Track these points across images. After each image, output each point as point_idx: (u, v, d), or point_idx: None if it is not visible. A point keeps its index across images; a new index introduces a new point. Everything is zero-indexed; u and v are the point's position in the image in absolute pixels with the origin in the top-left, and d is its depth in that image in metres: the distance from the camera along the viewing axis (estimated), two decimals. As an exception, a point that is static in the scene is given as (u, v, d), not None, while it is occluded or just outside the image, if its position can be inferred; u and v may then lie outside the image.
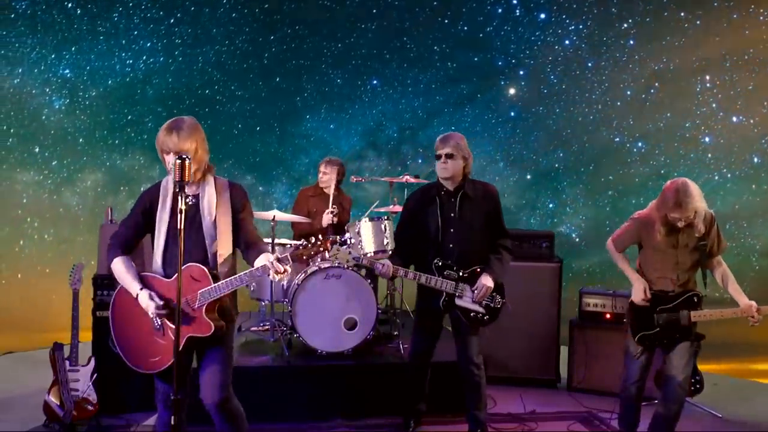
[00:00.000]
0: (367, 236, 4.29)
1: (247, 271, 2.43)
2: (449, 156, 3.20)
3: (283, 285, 4.21)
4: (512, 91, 7.54)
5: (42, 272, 6.44)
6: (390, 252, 3.81)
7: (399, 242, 3.37)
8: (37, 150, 6.81)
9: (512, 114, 7.59)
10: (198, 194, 2.54)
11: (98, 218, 7.07)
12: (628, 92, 7.18)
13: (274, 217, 4.32)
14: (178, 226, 2.24)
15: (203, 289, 2.40)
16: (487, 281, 3.16)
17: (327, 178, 4.84)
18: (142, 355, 2.48)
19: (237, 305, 2.69)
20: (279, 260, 2.34)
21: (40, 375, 3.94)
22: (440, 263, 3.18)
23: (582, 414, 4.06)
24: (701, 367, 4.22)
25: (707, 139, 6.90)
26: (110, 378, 3.62)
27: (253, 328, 4.72)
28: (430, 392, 3.65)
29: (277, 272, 2.32)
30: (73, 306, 3.51)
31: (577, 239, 7.58)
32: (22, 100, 6.71)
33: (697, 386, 4.15)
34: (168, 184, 2.54)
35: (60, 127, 6.92)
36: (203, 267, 2.42)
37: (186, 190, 2.40)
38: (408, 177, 4.61)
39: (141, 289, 2.42)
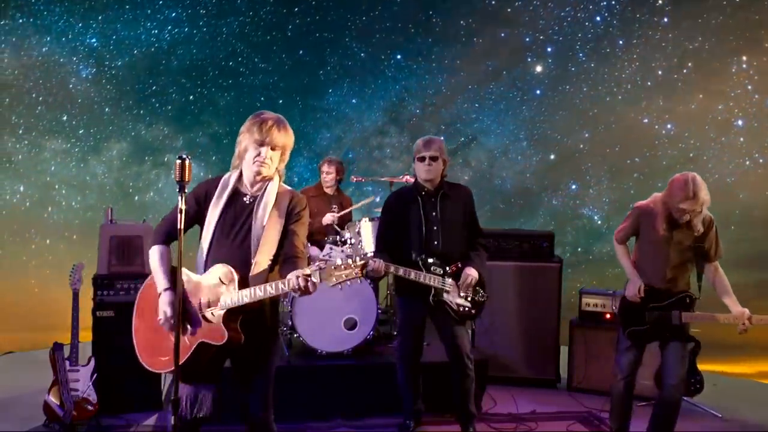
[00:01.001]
0: (367, 236, 4.29)
1: (273, 282, 2.20)
2: (433, 158, 3.29)
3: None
4: (539, 68, 7.38)
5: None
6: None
7: (383, 243, 3.38)
8: (64, 118, 6.93)
9: (538, 92, 7.44)
10: (257, 196, 2.37)
11: (123, 188, 7.22)
12: (660, 72, 6.97)
13: None
14: (178, 226, 2.09)
15: (227, 293, 2.23)
16: (471, 271, 3.26)
17: (330, 177, 4.87)
18: (152, 352, 2.34)
19: (277, 319, 2.53)
20: (306, 277, 2.13)
21: (40, 375, 3.84)
22: (426, 259, 3.26)
23: (582, 414, 4.04)
24: (701, 367, 4.19)
25: (740, 123, 6.69)
26: (110, 378, 3.59)
27: None
28: (430, 393, 3.68)
29: (299, 290, 2.13)
30: (73, 306, 3.46)
31: (599, 221, 7.49)
32: (50, 68, 6.81)
33: (697, 386, 4.07)
34: (231, 179, 2.39)
35: (87, 96, 7.02)
36: (233, 271, 2.23)
37: (251, 189, 2.35)
38: (408, 177, 4.55)
39: (166, 289, 2.28)
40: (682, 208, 2.91)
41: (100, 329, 3.71)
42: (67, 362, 3.46)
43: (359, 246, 4.28)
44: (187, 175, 2.06)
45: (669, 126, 6.99)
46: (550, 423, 3.85)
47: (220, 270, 2.23)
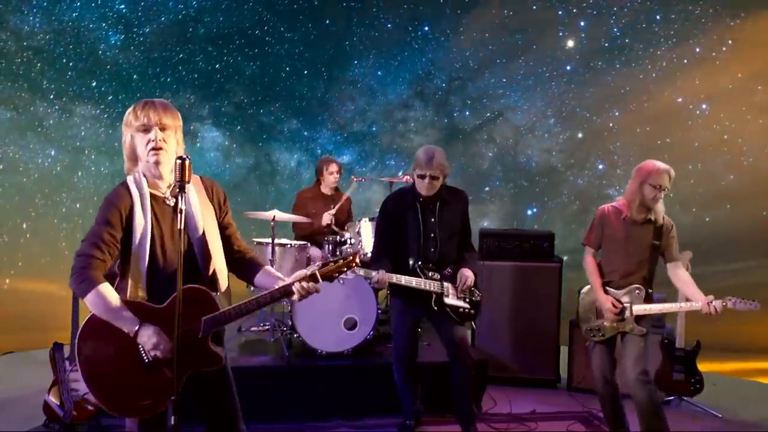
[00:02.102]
0: (367, 236, 4.29)
1: (265, 293, 2.00)
2: (434, 178, 3.26)
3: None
4: (571, 43, 7.15)
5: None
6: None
7: (380, 250, 3.37)
8: (94, 84, 7.02)
9: (568, 68, 7.23)
10: (177, 198, 1.96)
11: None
12: (698, 49, 6.69)
13: (273, 217, 4.33)
14: (178, 226, 1.84)
15: (208, 317, 1.96)
16: (468, 273, 3.29)
17: (335, 178, 4.84)
18: (126, 399, 1.95)
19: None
20: (309, 279, 1.96)
21: (40, 375, 3.86)
22: (421, 265, 3.27)
23: (582, 414, 4.04)
24: (701, 367, 4.17)
25: (780, 105, 6.41)
26: None
27: (253, 328, 4.66)
28: (430, 393, 3.70)
29: (305, 294, 1.95)
30: (73, 306, 3.43)
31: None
32: (80, 34, 6.87)
33: (697, 386, 4.12)
34: (142, 184, 2.01)
35: (115, 62, 7.08)
36: (204, 288, 1.97)
37: (166, 189, 2.04)
38: (408, 177, 4.52)
39: (140, 325, 1.90)
40: (658, 183, 3.06)
41: (100, 329, 3.70)
42: (67, 362, 3.43)
43: (359, 246, 4.30)
44: (187, 175, 1.86)
45: (704, 106, 6.75)
46: (550, 423, 3.86)
47: (186, 292, 1.89)
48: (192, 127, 7.43)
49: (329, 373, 3.84)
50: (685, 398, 4.21)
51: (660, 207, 3.16)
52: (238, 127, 7.53)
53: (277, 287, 2.00)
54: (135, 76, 7.14)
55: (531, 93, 7.29)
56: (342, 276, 2.06)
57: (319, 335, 3.89)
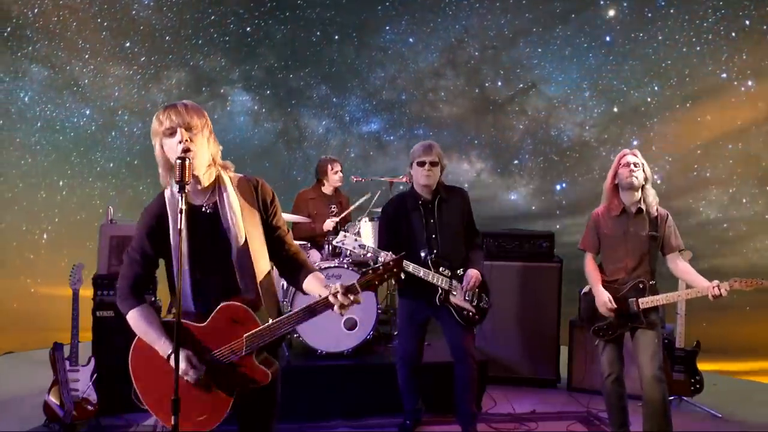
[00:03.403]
0: (367, 236, 4.27)
1: (304, 306, 1.89)
2: (433, 164, 3.25)
3: (283, 285, 4.05)
4: (611, 12, 6.86)
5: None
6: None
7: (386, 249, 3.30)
8: (127, 45, 7.08)
9: (607, 39, 6.96)
10: (214, 202, 1.95)
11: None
12: (747, 21, 6.34)
13: None
14: (179, 226, 1.76)
15: (250, 333, 1.88)
16: (475, 273, 3.24)
17: (339, 177, 4.76)
18: (185, 415, 1.89)
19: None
20: (347, 291, 1.84)
21: (40, 375, 3.82)
22: (435, 259, 3.25)
23: (582, 414, 3.96)
24: (701, 367, 4.12)
25: (833, 84, 6.07)
26: (110, 378, 3.48)
27: None
28: (429, 393, 3.70)
29: (342, 306, 1.84)
30: (73, 306, 3.42)
31: (658, 181, 7.11)
32: (115, -7, 6.90)
33: (697, 386, 4.09)
34: (176, 197, 1.89)
35: (148, 23, 7.11)
36: (243, 305, 1.88)
37: (202, 196, 1.94)
38: (407, 177, 4.40)
39: (173, 352, 1.83)
40: (626, 162, 3.14)
41: (100, 329, 3.68)
42: (67, 362, 3.43)
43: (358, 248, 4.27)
44: (187, 175, 1.77)
45: (749, 83, 6.43)
46: (550, 423, 3.85)
47: (226, 310, 1.87)
48: (222, 91, 7.48)
49: (329, 373, 3.84)
50: (685, 398, 4.18)
51: (651, 198, 3.14)
52: (268, 92, 7.54)
53: (317, 300, 1.89)
54: (167, 38, 7.18)
55: (567, 64, 7.07)
56: (384, 282, 1.91)
57: (319, 335, 3.89)
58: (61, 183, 6.69)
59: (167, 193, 1.94)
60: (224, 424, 1.87)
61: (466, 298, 3.26)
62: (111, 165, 6.97)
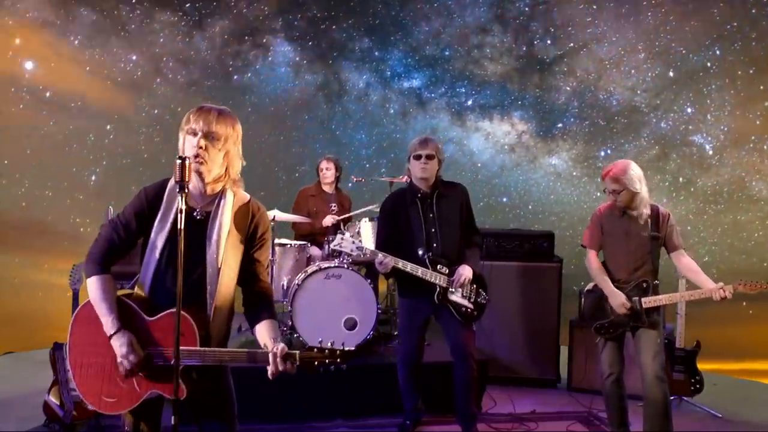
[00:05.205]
0: (367, 236, 4.24)
1: (245, 351, 1.90)
2: (429, 157, 3.25)
3: (283, 285, 4.21)
4: (675, -32, 6.40)
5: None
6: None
7: (383, 248, 3.29)
8: (172, -11, 7.06)
9: (669, -4, 6.52)
10: (210, 211, 1.96)
11: (224, 66, 7.44)
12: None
13: (274, 217, 4.25)
14: (179, 226, 1.75)
15: (183, 348, 1.83)
16: (465, 270, 3.23)
17: (330, 174, 4.85)
18: (96, 389, 1.97)
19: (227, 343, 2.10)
20: (285, 357, 1.85)
21: (40, 375, 3.83)
22: (432, 257, 3.25)
23: (582, 414, 3.98)
24: (701, 367, 4.11)
25: None
26: None
27: None
28: (429, 393, 3.69)
29: (277, 370, 1.86)
30: (73, 306, 3.36)
31: (710, 151, 6.79)
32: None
33: (697, 386, 4.09)
34: (173, 190, 1.94)
35: (194, -32, 7.05)
36: (191, 320, 1.85)
37: (201, 201, 1.95)
38: (407, 177, 4.27)
39: (118, 330, 1.87)
40: (606, 188, 3.15)
41: (100, 329, 3.74)
42: (67, 362, 3.47)
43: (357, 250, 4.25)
44: (187, 175, 1.77)
45: (825, 49, 5.95)
46: (550, 423, 3.85)
47: (174, 316, 1.79)
48: (265, 41, 7.42)
49: (329, 373, 3.85)
50: (685, 398, 4.18)
51: (640, 204, 3.14)
52: (310, 43, 7.44)
53: (262, 351, 1.90)
54: (212, -17, 7.11)
55: (622, 23, 6.68)
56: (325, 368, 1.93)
57: (319, 335, 3.87)
58: (108, 127, 6.88)
59: (170, 183, 1.96)
60: (184, 424, 1.83)
61: (464, 295, 3.26)
62: (155, 111, 7.09)
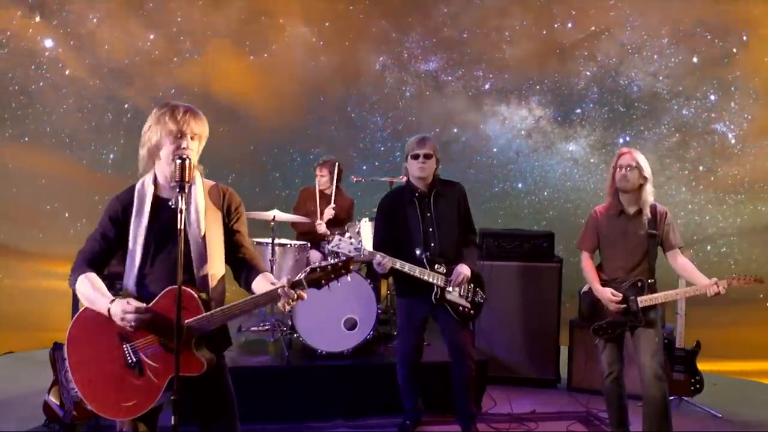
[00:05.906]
0: (367, 236, 4.21)
1: (249, 297, 1.97)
2: (427, 156, 3.26)
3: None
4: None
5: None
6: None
7: (381, 245, 3.30)
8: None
9: (696, -21, 6.34)
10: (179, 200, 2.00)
11: (240, 45, 7.41)
12: None
13: (274, 217, 4.26)
14: (179, 226, 1.86)
15: (192, 319, 1.92)
16: (463, 269, 3.24)
17: (325, 180, 4.81)
18: (112, 400, 2.00)
19: (229, 333, 2.20)
20: (293, 285, 1.90)
21: (40, 375, 3.85)
22: (430, 257, 3.25)
23: (582, 414, 3.98)
24: (701, 367, 4.11)
25: None
26: None
27: (253, 328, 4.62)
28: (429, 392, 3.69)
29: (290, 301, 1.89)
30: (74, 306, 3.40)
31: (733, 140, 6.65)
32: None
33: (697, 386, 4.09)
34: (147, 186, 2.05)
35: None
36: (191, 290, 1.95)
37: (173, 192, 2.01)
38: (406, 178, 4.21)
39: (112, 300, 1.93)
40: (620, 164, 3.12)
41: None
42: (67, 362, 3.51)
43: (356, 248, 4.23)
44: (187, 175, 1.91)
45: None
46: (550, 423, 3.84)
47: (172, 293, 1.89)
48: (281, 21, 7.38)
49: (329, 373, 3.85)
50: (685, 398, 4.17)
51: (649, 197, 3.13)
52: (327, 24, 7.39)
53: (261, 293, 1.96)
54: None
55: (646, 7, 6.51)
56: (332, 282, 1.95)
57: (319, 335, 3.90)
58: (126, 106, 6.93)
59: (138, 185, 2.07)
60: (184, 424, 1.86)
61: (462, 294, 3.26)
62: (172, 91, 7.11)
